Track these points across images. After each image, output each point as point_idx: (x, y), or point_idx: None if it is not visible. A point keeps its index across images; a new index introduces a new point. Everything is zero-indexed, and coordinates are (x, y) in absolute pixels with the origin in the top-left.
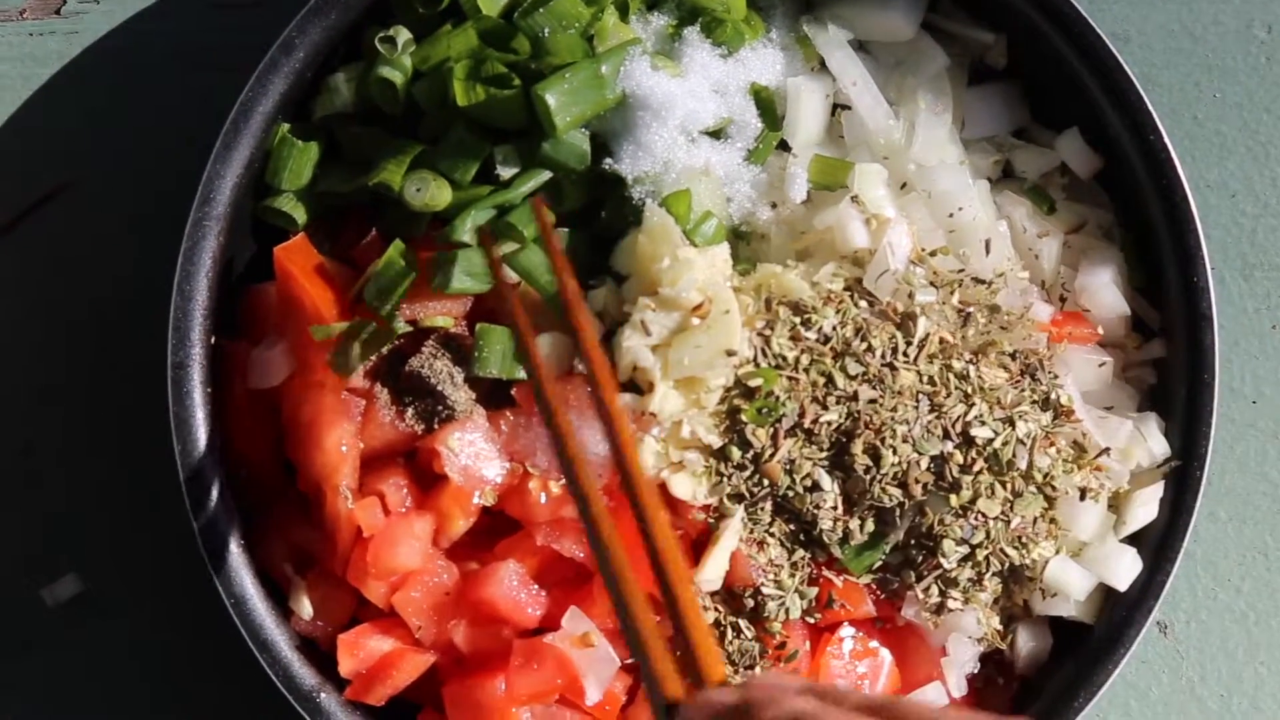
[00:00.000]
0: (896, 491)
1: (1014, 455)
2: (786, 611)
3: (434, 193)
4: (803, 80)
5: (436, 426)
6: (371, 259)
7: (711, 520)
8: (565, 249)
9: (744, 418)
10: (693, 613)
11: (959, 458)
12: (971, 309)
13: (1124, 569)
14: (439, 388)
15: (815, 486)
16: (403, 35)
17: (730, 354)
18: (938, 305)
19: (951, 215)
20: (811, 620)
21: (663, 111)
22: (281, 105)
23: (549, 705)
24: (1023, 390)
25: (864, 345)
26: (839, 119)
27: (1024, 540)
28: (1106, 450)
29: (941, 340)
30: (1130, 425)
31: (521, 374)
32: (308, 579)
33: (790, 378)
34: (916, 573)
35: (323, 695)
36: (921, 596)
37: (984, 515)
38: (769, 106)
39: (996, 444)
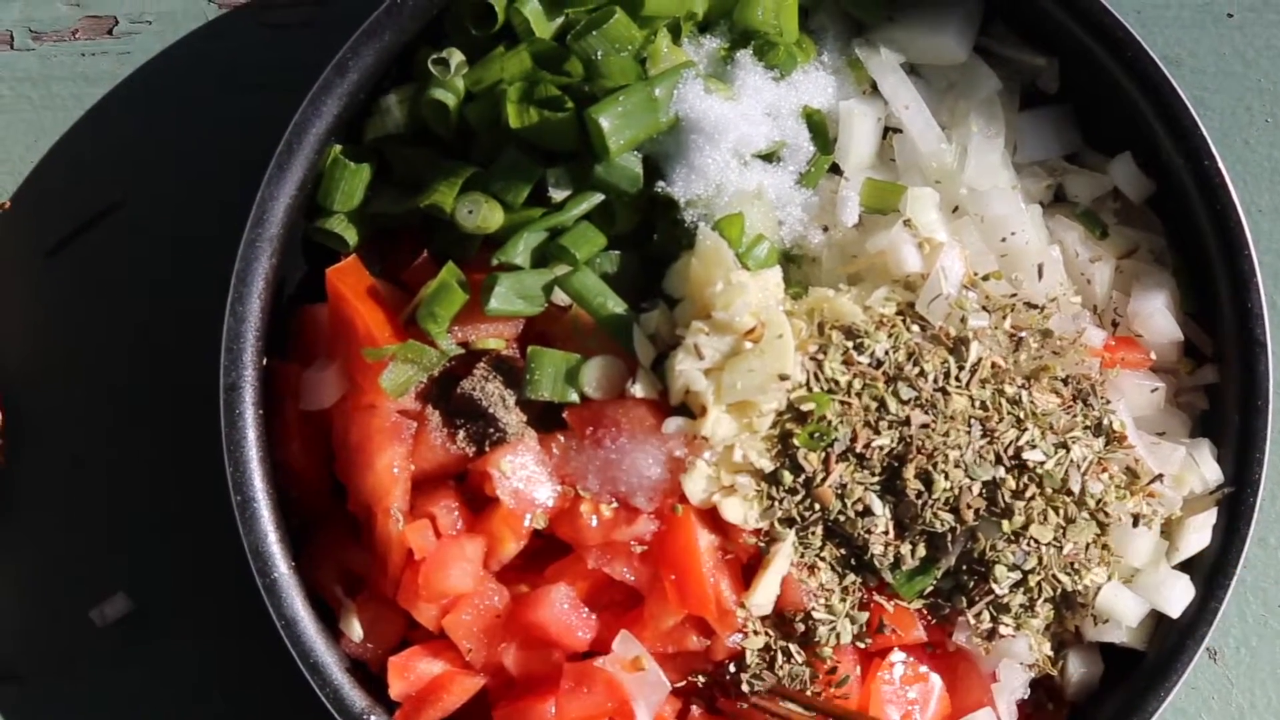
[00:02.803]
0: (948, 516)
1: (1066, 480)
2: (837, 636)
3: (486, 215)
4: (855, 103)
5: (488, 449)
6: (423, 281)
7: (762, 544)
8: (616, 271)
9: (796, 442)
10: None
11: (1011, 483)
12: (1024, 334)
13: (1177, 596)
14: (490, 410)
15: (867, 511)
16: (456, 57)
17: (783, 378)
18: (990, 330)
19: (1004, 240)
20: (862, 645)
21: (715, 134)
22: (334, 126)
23: None
24: (1075, 415)
25: (916, 370)
26: (890, 142)
27: (1076, 566)
28: (1159, 476)
29: (994, 365)
30: (1183, 451)
31: (574, 396)
32: (358, 601)
33: (843, 402)
34: (968, 598)
35: (373, 717)
36: (973, 622)
37: (1036, 541)
38: (821, 130)
39: (1049, 467)
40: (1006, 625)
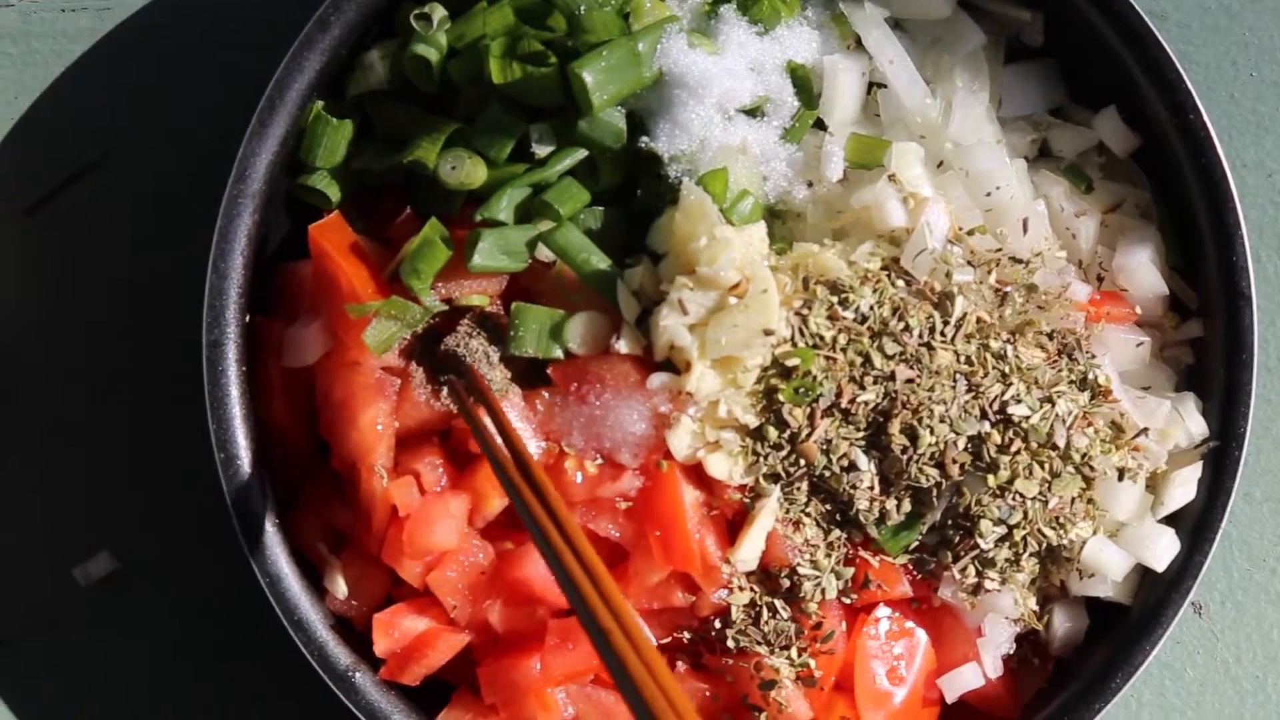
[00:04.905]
0: (934, 471)
1: (1052, 435)
2: (823, 592)
3: (469, 171)
4: (839, 58)
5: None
6: (406, 237)
7: (748, 500)
8: (600, 227)
9: (781, 397)
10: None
11: (996, 438)
12: (1009, 288)
13: (1162, 549)
14: (475, 366)
15: (852, 466)
16: (438, 12)
17: (768, 333)
18: (975, 284)
19: (989, 194)
20: (848, 600)
21: (699, 89)
22: (316, 83)
23: (584, 685)
24: (1060, 370)
25: (901, 325)
26: (875, 97)
27: (1061, 520)
28: (1145, 430)
29: (979, 320)
30: (1168, 405)
31: (558, 352)
32: (342, 558)
33: (828, 357)
34: (953, 553)
35: (357, 675)
36: (958, 577)
37: (1022, 495)
38: (805, 84)
39: (1034, 421)
40: (992, 580)
